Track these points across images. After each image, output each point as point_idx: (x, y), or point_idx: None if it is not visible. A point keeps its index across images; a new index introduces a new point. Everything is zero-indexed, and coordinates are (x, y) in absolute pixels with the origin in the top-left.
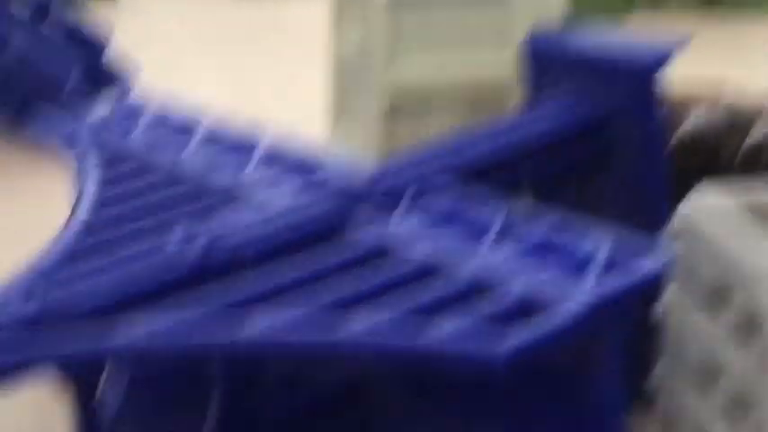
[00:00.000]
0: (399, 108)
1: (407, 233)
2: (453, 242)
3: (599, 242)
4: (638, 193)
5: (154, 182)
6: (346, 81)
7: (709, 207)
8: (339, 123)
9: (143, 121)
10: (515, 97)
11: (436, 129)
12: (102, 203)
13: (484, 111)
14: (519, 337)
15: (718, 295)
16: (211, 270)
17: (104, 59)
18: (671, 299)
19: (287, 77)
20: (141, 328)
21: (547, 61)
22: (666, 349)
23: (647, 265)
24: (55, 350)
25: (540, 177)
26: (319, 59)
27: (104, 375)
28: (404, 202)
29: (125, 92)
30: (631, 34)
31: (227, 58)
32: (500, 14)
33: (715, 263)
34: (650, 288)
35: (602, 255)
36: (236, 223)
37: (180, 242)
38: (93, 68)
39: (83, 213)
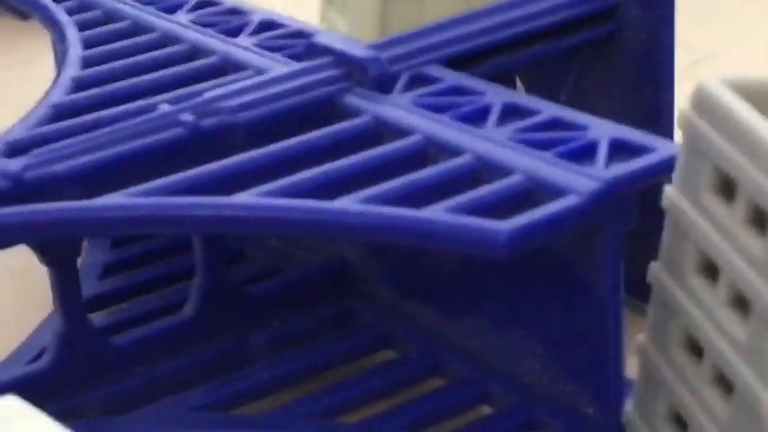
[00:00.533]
0: None
1: (404, 115)
2: (452, 126)
3: (604, 129)
4: (641, 87)
5: (145, 42)
6: None
7: (719, 91)
8: (330, 13)
9: None
10: None
11: (432, 15)
12: (89, 63)
13: None
14: (524, 216)
15: (728, 182)
16: (202, 135)
17: None
18: (677, 186)
19: None
20: (124, 196)
21: None
22: (668, 239)
23: (655, 151)
24: (34, 215)
25: (536, 63)
26: None
27: (85, 243)
28: (400, 83)
29: None
30: None
31: None
32: None
33: (726, 147)
34: (657, 175)
35: (608, 141)
36: (232, 87)
37: (170, 104)
38: None
39: (70, 71)
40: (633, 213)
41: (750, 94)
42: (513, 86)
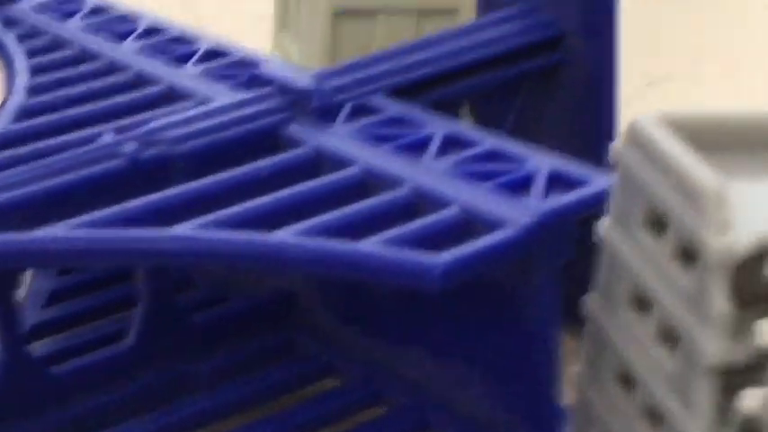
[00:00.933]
0: (344, 15)
1: (346, 144)
2: (393, 156)
3: (542, 161)
4: (583, 117)
5: (90, 71)
6: None
7: (652, 127)
8: (282, 29)
9: (81, 8)
10: (468, 7)
11: (383, 38)
12: (36, 91)
13: (434, 20)
14: (458, 250)
15: (658, 216)
16: (145, 165)
17: None
18: (611, 219)
19: None
20: (64, 228)
21: None
22: (602, 271)
23: (590, 184)
24: None
25: (481, 92)
26: None
27: (26, 272)
28: (342, 113)
29: None
30: None
31: None
32: None
33: (657, 182)
34: (592, 208)
35: (545, 174)
36: (175, 117)
37: (114, 134)
38: None
39: (15, 100)
40: (569, 245)
41: (687, 129)
42: (459, 114)
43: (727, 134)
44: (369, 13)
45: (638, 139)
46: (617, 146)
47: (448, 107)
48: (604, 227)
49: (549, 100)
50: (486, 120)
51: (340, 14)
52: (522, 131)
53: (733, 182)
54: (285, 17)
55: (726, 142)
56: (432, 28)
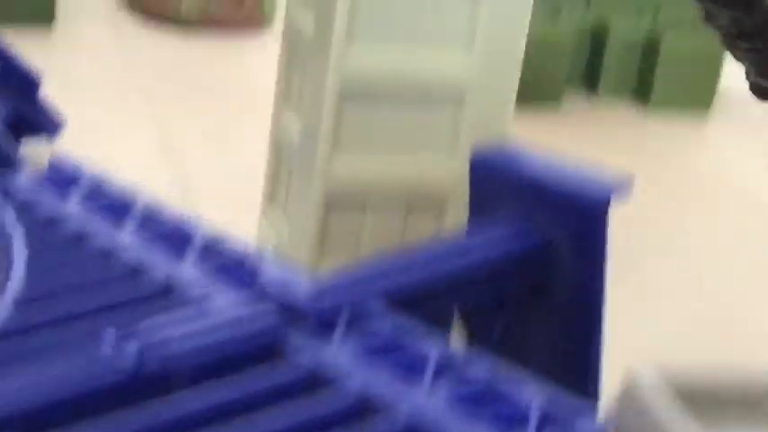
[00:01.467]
0: (335, 203)
1: (343, 362)
2: (388, 378)
3: (535, 394)
4: (573, 332)
5: (86, 259)
6: (282, 168)
7: (648, 388)
8: (271, 210)
9: (76, 189)
10: (456, 205)
11: (371, 227)
12: (32, 276)
13: (422, 215)
14: None
15: None
16: (141, 381)
17: (34, 103)
18: None
19: (225, 141)
20: None
21: (490, 180)
22: None
23: (583, 425)
24: None
25: (474, 307)
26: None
27: None
28: (339, 328)
29: (54, 144)
30: (578, 163)
31: (161, 116)
32: (449, 121)
33: None
34: None
35: (538, 409)
36: (171, 330)
37: (112, 346)
38: (22, 113)
39: (12, 287)
40: None
41: (682, 387)
42: (450, 327)
43: (723, 392)
44: (358, 208)
45: (633, 393)
46: (611, 402)
47: (441, 318)
48: None
49: (536, 316)
50: (474, 331)
51: (331, 207)
52: (508, 345)
53: None
54: (275, 192)
55: (721, 401)
56: (419, 223)
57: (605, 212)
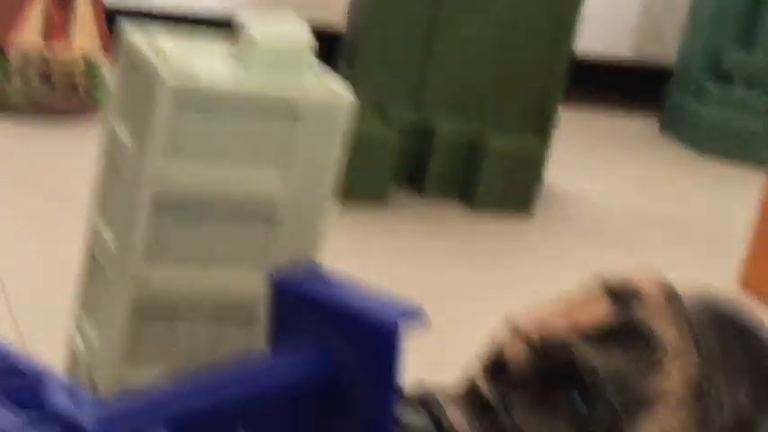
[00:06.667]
0: (147, 313)
1: None
2: None
3: None
4: None
5: None
6: (96, 277)
7: None
8: (84, 319)
9: None
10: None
11: (184, 337)
12: None
13: (234, 327)
14: None
15: None
16: None
17: None
18: None
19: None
20: None
21: (289, 302)
22: None
23: None
24: None
25: (264, 418)
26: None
27: None
28: None
29: None
30: (375, 288)
31: None
32: (261, 238)
33: None
34: None
35: None
36: None
37: None
38: None
39: None
40: None
41: None
42: None
43: None
44: (170, 318)
45: None
46: None
47: None
48: None
49: (332, 426)
50: None
51: (140, 317)
52: None
53: None
54: (88, 301)
55: None
56: (231, 334)
57: (393, 338)
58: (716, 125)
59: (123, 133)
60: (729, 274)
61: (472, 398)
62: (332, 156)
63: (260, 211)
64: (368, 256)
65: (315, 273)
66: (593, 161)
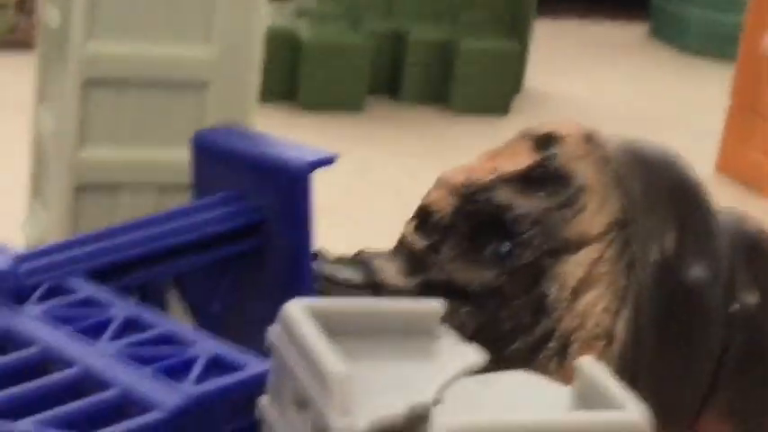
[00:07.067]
0: (88, 188)
1: (31, 326)
2: (70, 339)
3: (206, 346)
4: (288, 291)
5: None
6: (42, 163)
7: (296, 314)
8: (35, 205)
9: None
10: None
11: (126, 209)
12: None
13: (175, 195)
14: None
15: (301, 396)
16: None
17: None
18: (269, 398)
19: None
20: None
21: (208, 158)
22: None
23: (248, 368)
24: None
25: (185, 275)
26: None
27: None
28: (35, 295)
29: None
30: (289, 139)
31: None
32: (193, 108)
33: (299, 365)
34: (248, 390)
35: (204, 359)
36: None
37: None
38: None
39: None
40: (226, 425)
41: (327, 317)
42: (165, 298)
43: (363, 321)
44: (112, 192)
45: (285, 325)
46: (272, 330)
47: (153, 290)
48: (263, 405)
49: (255, 278)
50: (197, 298)
51: (84, 193)
52: (233, 308)
53: (358, 367)
54: (37, 187)
55: (361, 329)
56: (172, 203)
57: (304, 179)
58: (703, 26)
59: (52, 18)
60: (710, 161)
61: (403, 251)
62: (255, 22)
63: (188, 81)
64: (344, 162)
65: (231, 132)
66: (580, 66)
